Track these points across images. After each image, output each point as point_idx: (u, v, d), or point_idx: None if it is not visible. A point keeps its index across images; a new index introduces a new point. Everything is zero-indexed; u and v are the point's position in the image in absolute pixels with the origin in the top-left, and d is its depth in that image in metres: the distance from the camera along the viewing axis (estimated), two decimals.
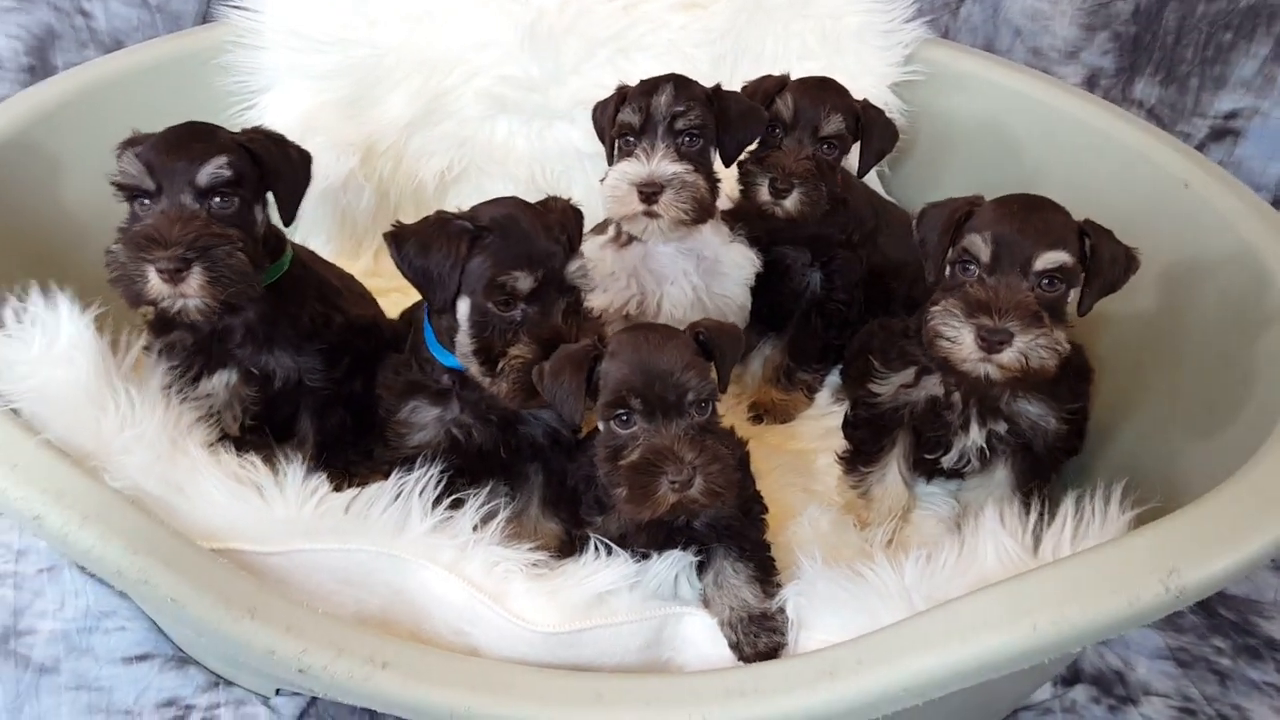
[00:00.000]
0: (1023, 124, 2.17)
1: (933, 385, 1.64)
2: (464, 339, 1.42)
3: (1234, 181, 1.85)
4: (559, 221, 1.46)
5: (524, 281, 1.37)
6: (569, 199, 1.56)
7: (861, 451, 1.80)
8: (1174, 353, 1.76)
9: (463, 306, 1.42)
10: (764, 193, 1.85)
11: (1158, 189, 1.86)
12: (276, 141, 1.59)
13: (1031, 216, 1.46)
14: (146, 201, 1.46)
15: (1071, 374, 1.63)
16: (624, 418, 1.30)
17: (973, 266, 1.47)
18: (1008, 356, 1.41)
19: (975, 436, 1.63)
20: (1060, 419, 1.62)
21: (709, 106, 1.74)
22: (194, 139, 1.49)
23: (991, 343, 1.40)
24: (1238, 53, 2.59)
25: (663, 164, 1.69)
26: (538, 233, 1.40)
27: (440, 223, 1.41)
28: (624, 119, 1.74)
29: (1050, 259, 1.43)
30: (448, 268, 1.38)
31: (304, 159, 1.62)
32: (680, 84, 1.73)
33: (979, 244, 1.45)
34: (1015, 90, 2.18)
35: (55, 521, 1.21)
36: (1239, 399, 1.58)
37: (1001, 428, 1.63)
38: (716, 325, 1.39)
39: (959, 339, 1.43)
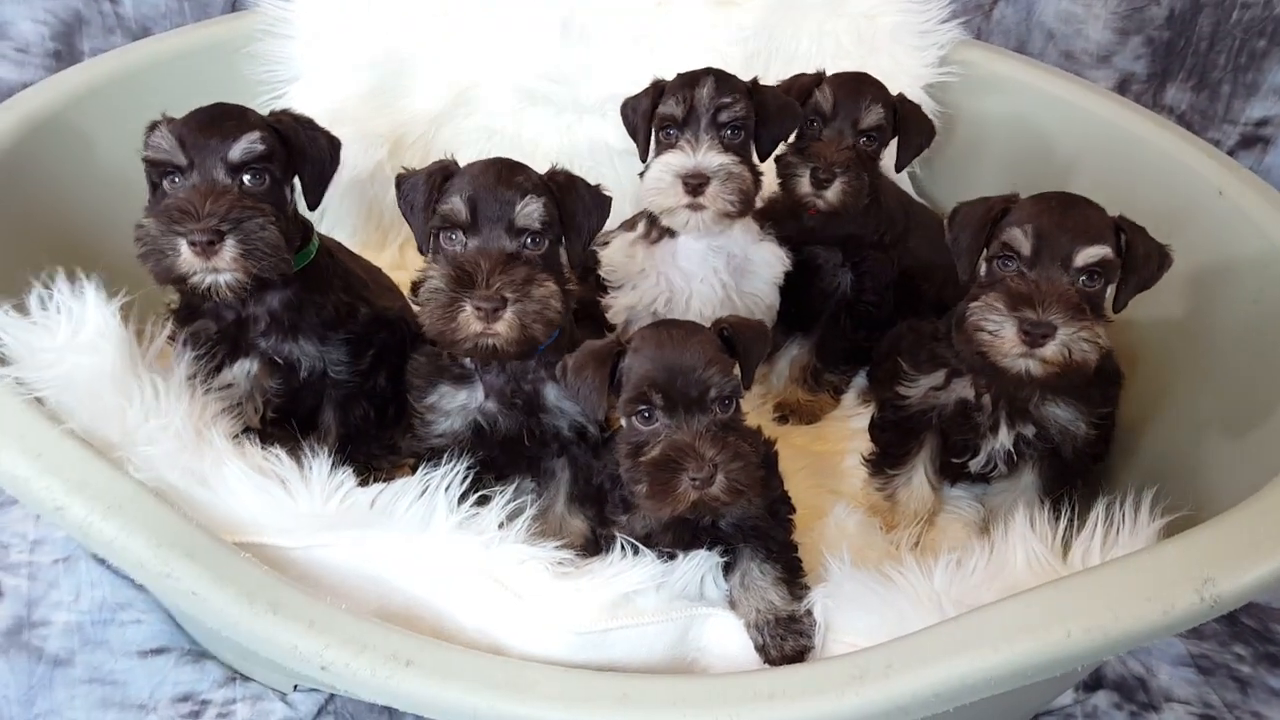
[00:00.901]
0: (1055, 126, 2.15)
1: (962, 387, 1.63)
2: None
3: (1267, 188, 1.83)
4: (535, 177, 1.45)
5: (458, 208, 1.38)
6: (579, 177, 1.54)
7: (888, 454, 1.79)
8: (1204, 359, 1.74)
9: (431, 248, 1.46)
10: (805, 184, 1.84)
11: (1190, 194, 1.84)
12: (305, 124, 1.59)
13: (1070, 212, 1.45)
14: (177, 179, 1.46)
15: (1102, 378, 1.61)
16: (646, 414, 1.29)
17: (1012, 261, 1.45)
18: (1050, 350, 1.39)
19: (1004, 439, 1.62)
20: (1089, 423, 1.61)
21: (750, 100, 1.73)
22: (226, 117, 1.49)
23: (1035, 336, 1.39)
24: (1270, 60, 2.56)
25: (709, 155, 1.68)
26: (497, 179, 1.41)
27: (431, 165, 1.48)
28: (666, 111, 1.72)
29: (1091, 253, 1.42)
30: (422, 203, 1.44)
31: (333, 144, 1.62)
32: (721, 77, 1.72)
33: (1020, 238, 1.44)
34: (1048, 92, 2.15)
35: (78, 512, 1.21)
36: (1270, 406, 1.57)
37: (1030, 431, 1.61)
38: (741, 322, 1.38)
39: (1001, 332, 1.41)
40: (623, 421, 1.35)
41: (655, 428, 1.29)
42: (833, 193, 1.83)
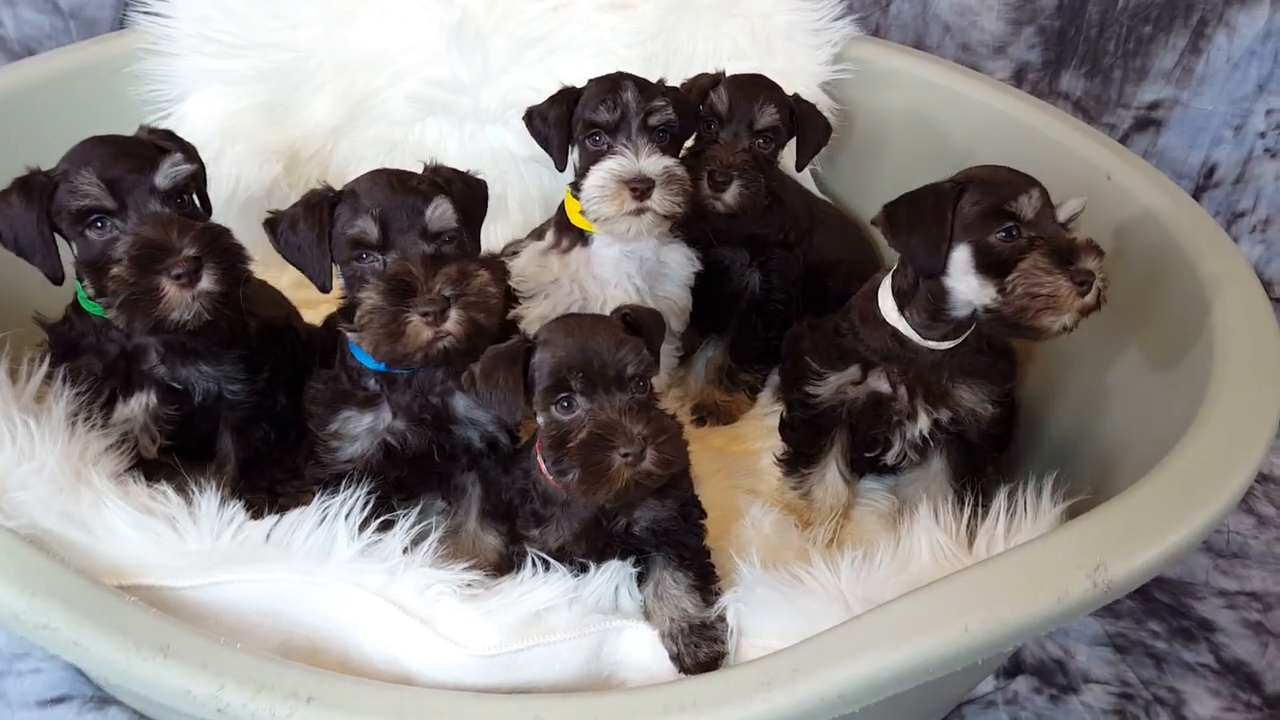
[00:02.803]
0: (950, 118, 2.18)
1: (877, 380, 1.65)
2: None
3: (1155, 172, 1.89)
4: (427, 179, 1.45)
5: (368, 229, 1.36)
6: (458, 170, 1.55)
7: (801, 453, 1.80)
8: (1101, 343, 1.78)
9: (344, 276, 1.44)
10: (703, 187, 1.84)
11: (1081, 180, 1.88)
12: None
13: (1009, 170, 1.52)
14: (103, 223, 1.42)
15: (999, 355, 1.67)
16: (566, 402, 1.29)
17: (1016, 229, 1.46)
18: (1092, 295, 1.44)
19: (923, 426, 1.64)
20: (994, 402, 1.65)
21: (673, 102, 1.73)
22: (117, 149, 1.46)
23: (1085, 286, 1.43)
24: (1157, 45, 2.65)
25: (651, 159, 1.68)
26: (397, 190, 1.40)
27: (304, 199, 1.44)
28: (594, 117, 1.71)
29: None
30: (314, 238, 1.40)
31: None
32: (639, 82, 1.72)
33: (1025, 204, 1.45)
34: (942, 86, 2.19)
35: None
36: (1164, 389, 1.61)
37: (945, 416, 1.64)
38: (641, 309, 1.40)
39: (1058, 290, 1.42)
40: (540, 418, 1.33)
41: (577, 414, 1.28)
42: (730, 195, 1.83)
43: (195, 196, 1.50)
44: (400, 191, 1.39)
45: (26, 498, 1.27)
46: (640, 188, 1.66)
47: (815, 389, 1.69)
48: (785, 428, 1.86)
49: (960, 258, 1.49)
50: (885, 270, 1.69)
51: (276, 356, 1.66)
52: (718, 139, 1.87)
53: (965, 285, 1.50)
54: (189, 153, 1.55)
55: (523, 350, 1.32)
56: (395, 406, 1.51)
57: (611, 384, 1.27)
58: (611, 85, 1.71)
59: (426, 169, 1.50)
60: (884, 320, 1.61)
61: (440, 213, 1.38)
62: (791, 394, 1.81)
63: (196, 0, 2.14)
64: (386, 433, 1.51)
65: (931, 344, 1.59)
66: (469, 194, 1.49)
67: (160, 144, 1.51)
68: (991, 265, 1.46)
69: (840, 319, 1.70)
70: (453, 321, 1.33)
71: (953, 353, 1.60)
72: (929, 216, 1.49)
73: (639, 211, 1.68)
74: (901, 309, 1.59)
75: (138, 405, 1.55)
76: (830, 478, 1.78)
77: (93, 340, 1.52)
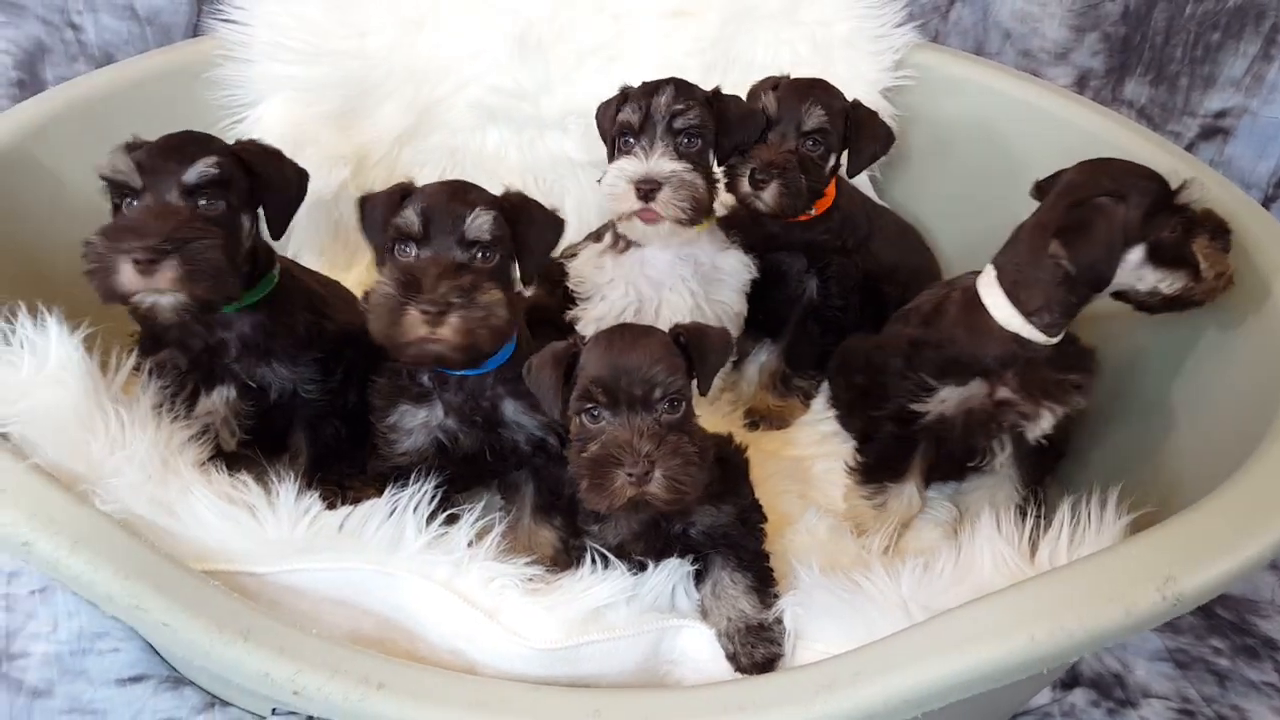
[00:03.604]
0: (1013, 127, 2.16)
1: (1000, 388, 1.64)
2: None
3: (1225, 181, 1.85)
4: (488, 196, 1.48)
5: (411, 220, 1.41)
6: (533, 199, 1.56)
7: (887, 467, 1.77)
8: (1167, 355, 1.75)
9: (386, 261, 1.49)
10: (744, 184, 1.85)
11: None
12: (272, 154, 1.59)
13: (1130, 163, 1.62)
14: (134, 201, 1.45)
15: (1076, 343, 1.68)
16: (593, 412, 1.31)
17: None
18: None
19: (1046, 425, 1.65)
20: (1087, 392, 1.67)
21: (709, 108, 1.74)
22: (188, 142, 1.50)
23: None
24: (1226, 52, 2.59)
25: (661, 161, 1.69)
26: (450, 195, 1.44)
27: (392, 187, 1.51)
28: (623, 118, 1.74)
29: None
30: (380, 219, 1.46)
31: (299, 175, 1.62)
32: (681, 86, 1.74)
33: (1187, 195, 1.55)
34: (1005, 93, 2.17)
35: (45, 548, 1.20)
36: (1233, 402, 1.59)
37: (1060, 412, 1.65)
38: (699, 328, 1.39)
39: (1229, 264, 1.56)
40: (574, 421, 1.36)
41: (601, 425, 1.30)
42: (769, 194, 1.83)
43: (224, 202, 1.48)
44: (453, 198, 1.43)
45: (120, 484, 1.33)
46: (645, 188, 1.67)
47: (924, 405, 1.67)
48: (867, 442, 1.83)
49: (1134, 257, 1.54)
50: (957, 285, 1.68)
51: (350, 358, 1.70)
52: (766, 140, 1.88)
53: (1142, 280, 1.57)
54: (282, 174, 1.57)
55: (568, 354, 1.35)
56: (447, 405, 1.55)
57: (637, 403, 1.28)
58: (649, 89, 1.74)
59: (505, 190, 1.52)
60: (1001, 328, 1.60)
61: (479, 224, 1.40)
62: (879, 410, 1.77)
63: (271, 7, 2.20)
64: (439, 429, 1.56)
65: (1052, 340, 1.60)
66: (532, 222, 1.50)
67: (240, 153, 1.53)
68: (1169, 258, 1.53)
69: (929, 334, 1.68)
70: (449, 328, 1.35)
71: (1058, 347, 1.61)
72: (1103, 236, 1.51)
73: (647, 213, 1.69)
74: (1029, 314, 1.58)
75: (219, 398, 1.61)
76: (909, 491, 1.77)
77: (177, 334, 1.57)
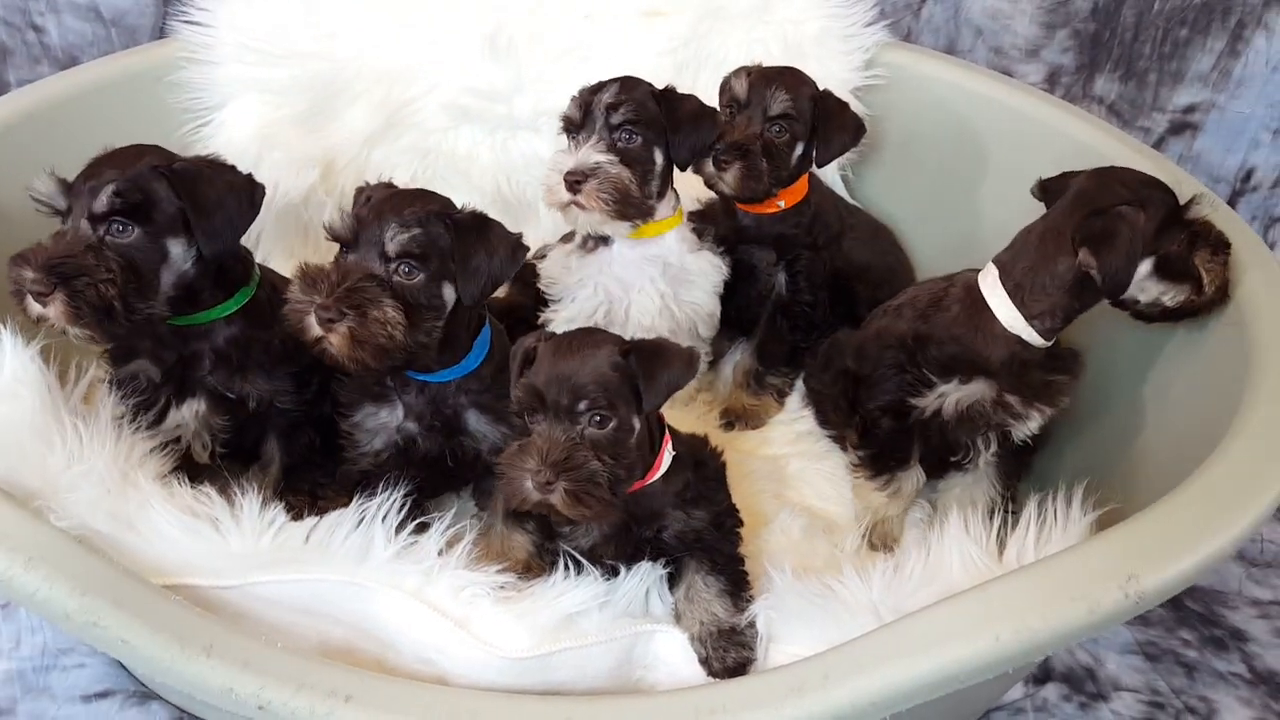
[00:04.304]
0: (984, 125, 2.17)
1: (997, 388, 1.65)
2: None
3: (1189, 179, 1.86)
4: (432, 209, 1.45)
5: (341, 223, 1.42)
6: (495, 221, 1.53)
7: (893, 455, 1.78)
8: (1136, 353, 1.77)
9: None
10: (708, 165, 1.86)
11: None
12: (213, 173, 1.52)
13: (1139, 174, 1.63)
14: (64, 224, 1.44)
15: (1067, 351, 1.71)
16: (529, 415, 1.31)
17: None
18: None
19: (1034, 426, 1.67)
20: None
21: (654, 105, 1.73)
22: (107, 164, 1.45)
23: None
24: (1194, 48, 2.61)
25: (588, 153, 1.70)
26: (386, 204, 1.44)
27: (361, 187, 1.55)
28: (566, 114, 1.76)
29: None
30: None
31: (249, 191, 1.54)
32: (626, 83, 1.74)
33: (1196, 210, 1.59)
34: (975, 92, 2.18)
35: None
36: (1197, 401, 1.60)
37: (1048, 412, 1.67)
38: (655, 347, 1.35)
39: (1228, 276, 1.62)
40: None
41: (532, 426, 1.31)
42: (730, 175, 1.84)
43: (137, 230, 1.43)
44: (390, 208, 1.42)
45: (78, 499, 1.31)
46: (570, 180, 1.67)
47: (922, 400, 1.68)
48: (871, 433, 1.82)
49: (1142, 269, 1.55)
50: (956, 281, 1.69)
51: (326, 369, 1.67)
52: (733, 122, 1.88)
53: (1145, 292, 1.59)
54: (216, 191, 1.50)
55: (529, 349, 1.35)
56: (407, 408, 1.56)
57: (562, 413, 1.28)
58: (596, 87, 1.75)
59: (461, 208, 1.49)
60: (1005, 329, 1.60)
61: (399, 239, 1.39)
62: (872, 401, 1.77)
63: (236, 8, 2.17)
64: (397, 432, 1.56)
65: (1048, 343, 1.62)
66: (481, 244, 1.45)
67: (171, 172, 1.47)
68: (1173, 271, 1.56)
69: (931, 330, 1.67)
70: (336, 334, 1.36)
71: (1048, 349, 1.63)
72: (1126, 245, 1.51)
73: (577, 205, 1.69)
74: (1031, 317, 1.59)
75: (189, 412, 1.59)
76: (915, 472, 1.79)
77: (150, 345, 1.56)
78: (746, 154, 1.82)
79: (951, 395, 1.66)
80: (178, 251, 1.50)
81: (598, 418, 1.28)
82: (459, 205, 1.51)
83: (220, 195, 1.50)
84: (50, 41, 2.62)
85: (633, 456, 1.32)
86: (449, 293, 1.45)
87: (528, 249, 1.52)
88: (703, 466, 1.50)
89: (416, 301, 1.41)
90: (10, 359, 1.41)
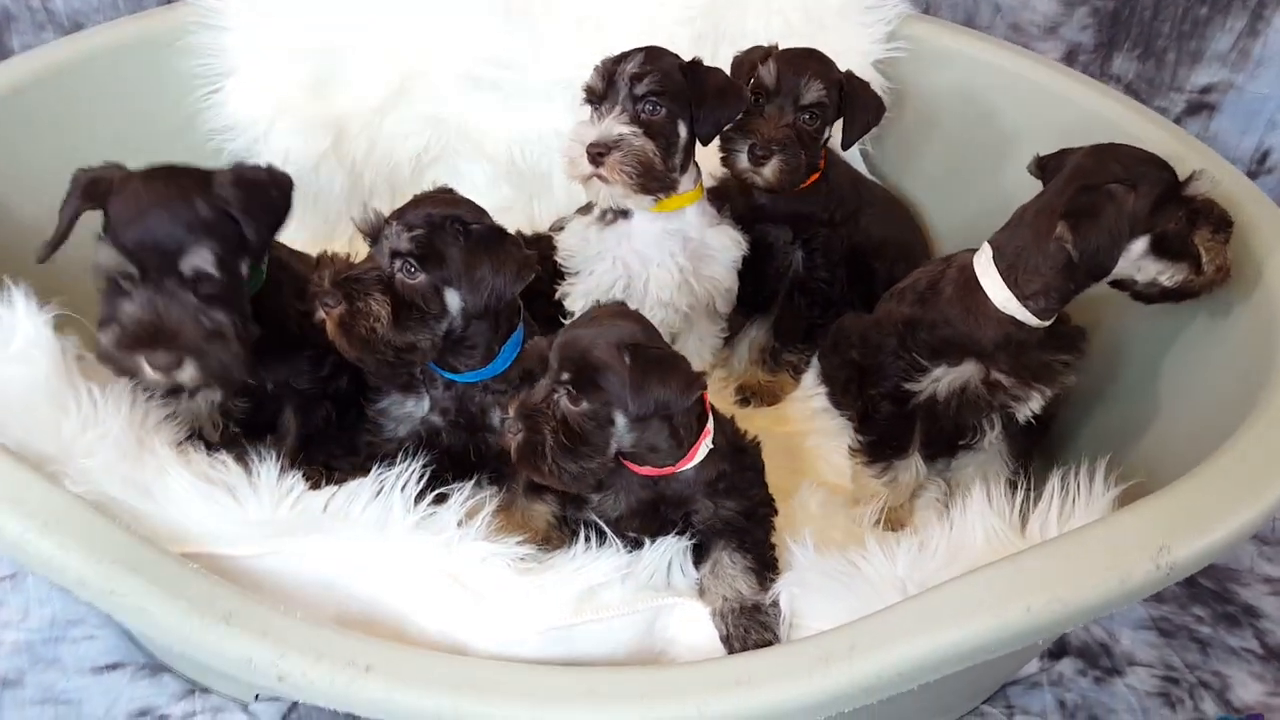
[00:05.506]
0: (1004, 99, 2.14)
1: (993, 370, 1.63)
2: None
3: (1213, 155, 1.85)
4: (441, 211, 1.45)
5: (363, 220, 1.47)
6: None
7: (891, 444, 1.77)
8: (1159, 334, 1.75)
9: None
10: (743, 160, 1.83)
11: None
12: (257, 185, 1.47)
13: (1136, 149, 1.59)
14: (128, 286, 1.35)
15: (1072, 329, 1.68)
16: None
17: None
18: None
19: (1035, 406, 1.65)
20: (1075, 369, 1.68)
21: (680, 76, 1.70)
22: (171, 218, 1.35)
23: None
24: (1213, 27, 2.58)
25: (611, 125, 1.66)
26: (408, 205, 1.48)
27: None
28: (589, 84, 1.72)
29: None
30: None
31: (282, 192, 1.50)
32: (651, 53, 1.70)
33: (1196, 187, 1.55)
34: (997, 65, 2.15)
35: (13, 530, 1.16)
36: (1221, 379, 1.59)
37: (1049, 392, 1.65)
38: (647, 350, 1.33)
39: (1230, 258, 1.57)
40: None
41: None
42: (769, 170, 1.81)
43: (224, 276, 1.39)
44: (409, 205, 1.47)
45: (93, 465, 1.29)
46: (593, 152, 1.64)
47: (917, 385, 1.66)
48: (870, 419, 1.81)
49: (1137, 248, 1.52)
50: (953, 262, 1.67)
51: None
52: (763, 113, 1.85)
53: (1142, 271, 1.56)
54: (261, 206, 1.46)
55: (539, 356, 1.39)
56: (433, 401, 1.56)
57: (551, 375, 1.34)
58: (620, 57, 1.70)
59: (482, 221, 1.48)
60: (998, 310, 1.58)
61: (400, 239, 1.41)
62: (875, 388, 1.76)
63: None
64: (422, 423, 1.57)
65: (1045, 323, 1.59)
66: (477, 247, 1.43)
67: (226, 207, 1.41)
68: (1173, 250, 1.52)
69: (924, 313, 1.66)
70: (330, 320, 1.41)
71: (1050, 328, 1.61)
72: (1110, 224, 1.48)
73: (600, 178, 1.66)
74: (1026, 298, 1.56)
75: (203, 400, 1.56)
76: (914, 463, 1.77)
77: None
78: (785, 147, 1.80)
79: (944, 379, 1.64)
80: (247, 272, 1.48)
81: (573, 394, 1.32)
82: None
83: (262, 208, 1.46)
84: (55, 7, 2.58)
85: (595, 445, 1.34)
86: (453, 299, 1.45)
87: (537, 270, 1.51)
88: (742, 455, 1.51)
89: (412, 301, 1.41)
90: (24, 323, 1.38)
